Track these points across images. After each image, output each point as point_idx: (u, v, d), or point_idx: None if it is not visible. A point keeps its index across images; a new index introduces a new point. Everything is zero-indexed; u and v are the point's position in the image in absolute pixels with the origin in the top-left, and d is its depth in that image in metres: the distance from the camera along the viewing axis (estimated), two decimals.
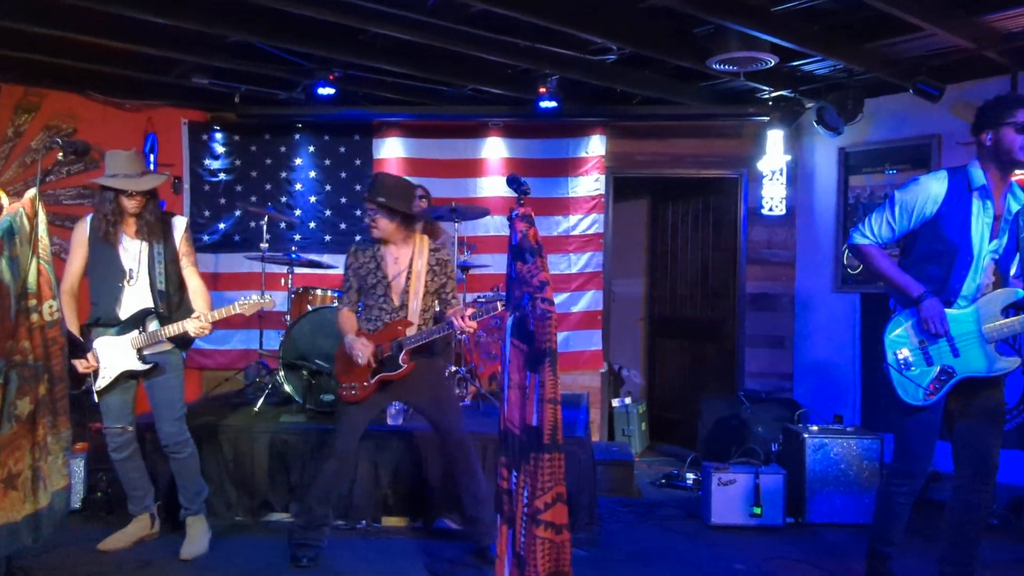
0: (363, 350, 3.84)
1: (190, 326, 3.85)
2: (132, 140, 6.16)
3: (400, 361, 3.85)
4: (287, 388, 5.17)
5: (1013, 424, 5.05)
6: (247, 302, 3.92)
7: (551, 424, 2.52)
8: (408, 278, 3.92)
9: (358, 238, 6.66)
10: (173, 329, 3.88)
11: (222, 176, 6.81)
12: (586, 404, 6.03)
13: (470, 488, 4.03)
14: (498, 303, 3.74)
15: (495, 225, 6.61)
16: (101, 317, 3.95)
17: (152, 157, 6.47)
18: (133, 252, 3.94)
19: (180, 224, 4.06)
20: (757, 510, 4.77)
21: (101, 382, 3.93)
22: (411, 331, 3.87)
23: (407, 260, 3.95)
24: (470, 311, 3.76)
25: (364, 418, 4.00)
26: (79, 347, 3.89)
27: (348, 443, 3.96)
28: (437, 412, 4.01)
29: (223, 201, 6.79)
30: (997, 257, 3.25)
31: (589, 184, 6.76)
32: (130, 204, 3.87)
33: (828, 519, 4.87)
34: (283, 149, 6.84)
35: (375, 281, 3.94)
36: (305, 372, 5.06)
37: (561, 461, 2.55)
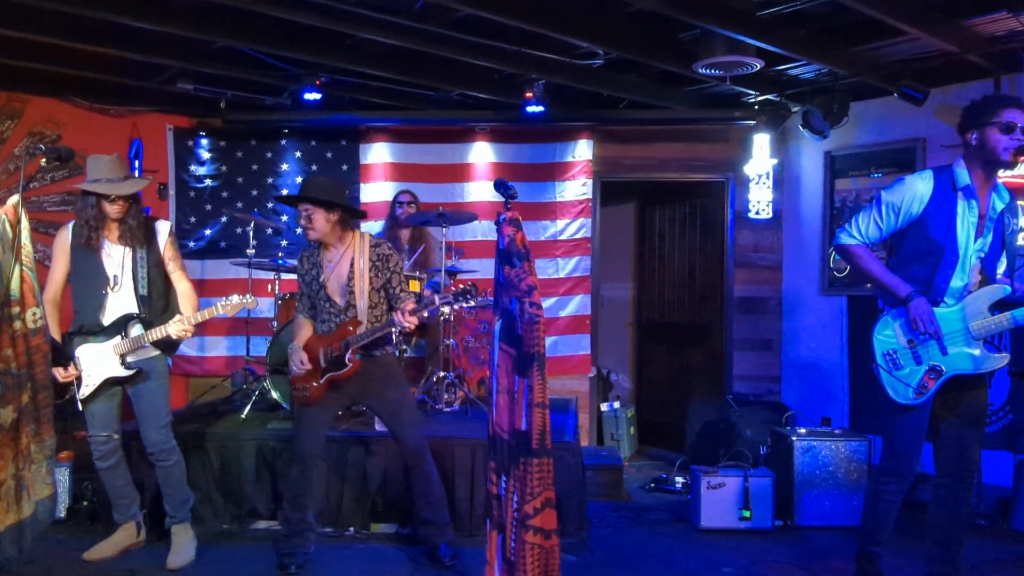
0: (297, 362, 3.88)
1: (172, 329, 3.81)
2: (117, 146, 6.11)
3: (347, 360, 3.83)
4: (274, 395, 5.13)
5: (999, 425, 5.08)
6: (228, 303, 3.87)
7: (539, 429, 2.52)
8: (351, 278, 3.88)
9: None
10: (155, 334, 3.83)
11: (208, 182, 6.78)
12: (575, 408, 6.02)
13: (423, 491, 4.05)
14: (435, 297, 3.73)
15: (483, 230, 6.61)
16: (84, 325, 3.90)
17: (137, 163, 6.44)
18: (116, 258, 3.90)
19: (164, 229, 4.03)
20: (746, 513, 4.78)
21: (84, 390, 3.88)
22: (361, 330, 3.87)
23: (348, 260, 3.90)
24: (411, 306, 3.72)
25: (322, 419, 3.99)
26: (61, 355, 3.85)
27: (308, 445, 3.95)
28: (390, 415, 4.00)
29: (209, 207, 6.76)
30: (983, 256, 3.27)
31: (576, 188, 6.77)
32: (112, 209, 3.83)
33: (817, 521, 4.87)
34: (269, 155, 6.82)
35: (317, 287, 3.94)
36: None
37: (550, 466, 2.54)
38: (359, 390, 3.98)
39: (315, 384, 3.89)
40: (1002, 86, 5.24)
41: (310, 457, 3.97)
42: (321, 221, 3.82)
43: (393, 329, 3.84)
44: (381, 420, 4.11)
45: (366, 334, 3.83)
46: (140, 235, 3.90)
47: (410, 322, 3.69)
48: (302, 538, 4.00)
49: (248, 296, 3.94)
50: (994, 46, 4.88)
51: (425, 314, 3.82)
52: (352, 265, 3.88)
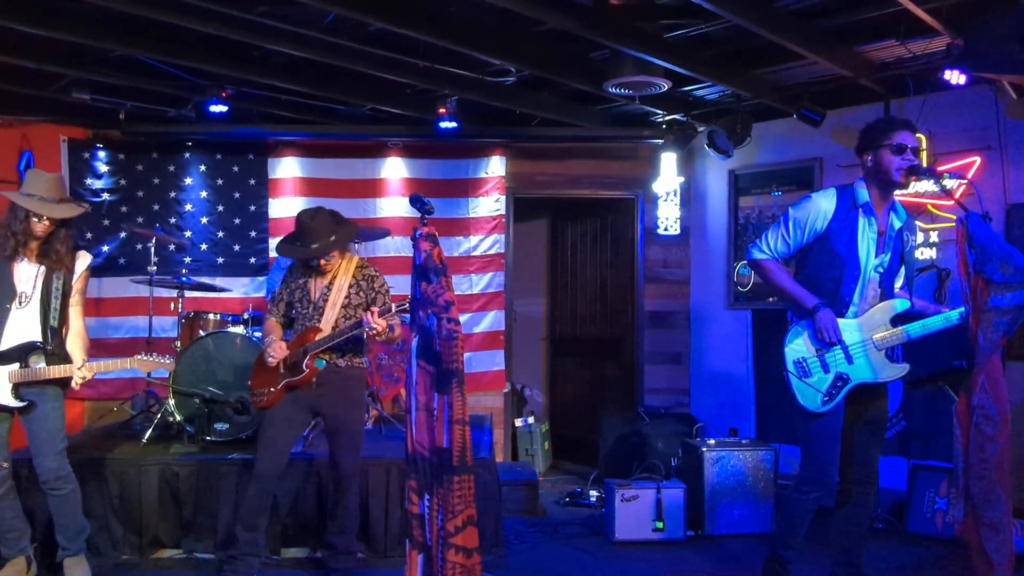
0: (276, 350, 3.91)
1: (76, 377, 3.65)
2: (5, 157, 5.80)
3: (304, 366, 3.87)
4: (178, 418, 4.94)
5: (893, 431, 5.32)
6: (144, 359, 3.77)
7: (459, 446, 2.49)
8: (328, 289, 3.97)
9: (253, 260, 6.50)
10: (57, 371, 3.66)
11: (105, 196, 6.48)
12: (489, 425, 6.01)
13: (338, 517, 4.06)
14: (391, 305, 3.79)
15: (396, 246, 6.55)
16: None
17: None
18: (28, 275, 3.72)
19: (85, 262, 3.88)
20: (659, 524, 4.85)
21: None
22: (320, 336, 3.90)
23: (332, 275, 4.01)
24: (378, 308, 3.79)
25: (284, 437, 3.95)
26: None
27: (267, 463, 3.91)
28: (333, 430, 4.00)
29: (107, 222, 6.46)
30: (881, 271, 3.43)
31: (489, 204, 6.78)
32: (39, 228, 3.68)
33: (727, 530, 4.99)
34: (172, 168, 6.58)
35: (301, 295, 4.02)
36: (198, 400, 4.85)
37: (471, 483, 2.52)
38: (318, 398, 3.96)
39: (272, 389, 3.92)
40: (892, 109, 5.53)
41: (270, 476, 3.93)
42: (336, 257, 3.97)
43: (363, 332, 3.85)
44: (325, 433, 4.12)
45: (326, 339, 3.87)
46: (64, 260, 3.76)
47: (378, 323, 3.74)
48: (244, 563, 3.92)
49: (167, 358, 3.86)
50: (884, 71, 5.15)
51: (396, 320, 3.87)
52: (334, 280, 3.98)
